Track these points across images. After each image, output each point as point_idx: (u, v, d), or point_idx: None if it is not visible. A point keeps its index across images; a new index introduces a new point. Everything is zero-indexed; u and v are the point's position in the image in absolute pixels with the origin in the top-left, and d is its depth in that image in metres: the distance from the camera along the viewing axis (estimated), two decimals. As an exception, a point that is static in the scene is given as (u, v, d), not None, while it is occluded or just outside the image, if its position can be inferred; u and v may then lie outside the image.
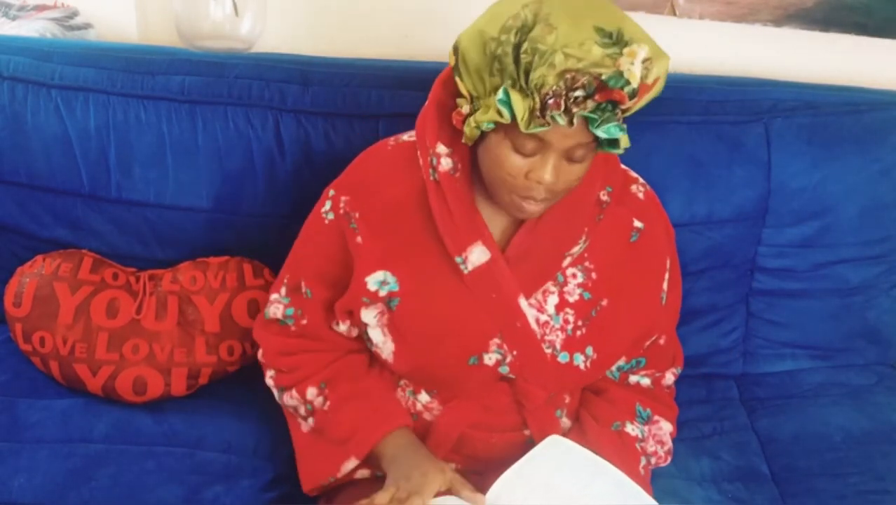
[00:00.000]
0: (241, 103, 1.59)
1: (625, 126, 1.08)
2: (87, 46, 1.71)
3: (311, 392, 1.32)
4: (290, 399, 1.35)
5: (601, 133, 1.06)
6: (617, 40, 1.02)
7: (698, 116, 1.62)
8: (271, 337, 1.36)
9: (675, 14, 1.77)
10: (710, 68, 1.78)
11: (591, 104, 1.03)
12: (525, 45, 1.03)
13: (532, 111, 1.04)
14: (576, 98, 1.02)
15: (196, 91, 1.59)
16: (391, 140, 1.31)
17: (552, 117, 1.03)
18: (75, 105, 1.58)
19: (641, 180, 1.33)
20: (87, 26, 1.85)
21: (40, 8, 1.84)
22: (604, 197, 1.26)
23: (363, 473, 1.33)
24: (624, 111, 1.07)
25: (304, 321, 1.33)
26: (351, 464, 1.29)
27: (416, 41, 1.83)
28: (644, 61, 1.03)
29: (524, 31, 1.03)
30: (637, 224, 1.29)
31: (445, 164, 1.20)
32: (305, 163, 1.60)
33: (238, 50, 1.74)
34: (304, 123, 1.59)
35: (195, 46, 1.73)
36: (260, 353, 1.39)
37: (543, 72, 1.02)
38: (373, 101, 1.60)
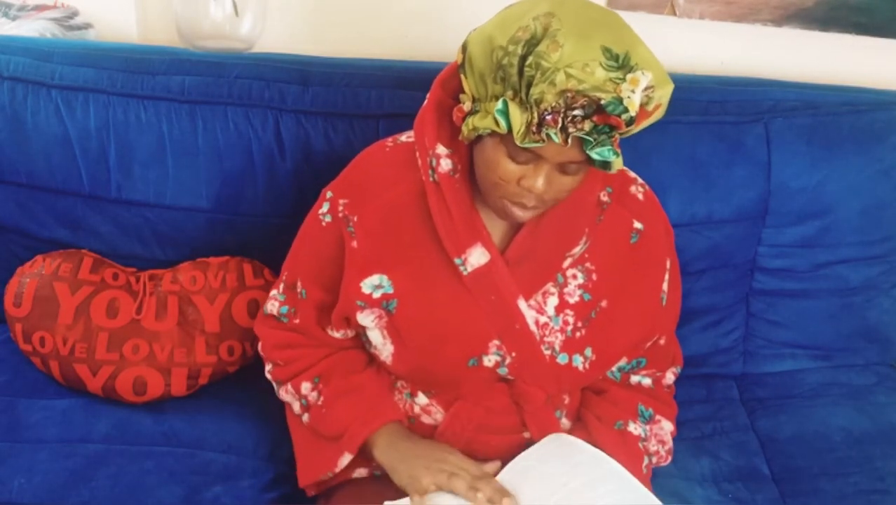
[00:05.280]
0: (241, 103, 1.59)
1: (619, 151, 1.07)
2: (87, 46, 1.71)
3: (306, 387, 1.32)
4: (285, 394, 1.36)
5: (595, 155, 1.05)
6: (623, 64, 1.01)
7: (698, 116, 1.62)
8: (269, 331, 1.38)
9: (675, 14, 1.77)
10: (710, 68, 1.78)
11: (588, 125, 1.03)
12: (530, 59, 1.02)
13: (528, 125, 1.04)
14: (573, 117, 1.02)
15: (196, 91, 1.59)
16: (389, 141, 1.31)
17: (547, 135, 1.03)
18: (75, 105, 1.58)
19: (640, 180, 1.33)
20: (87, 26, 1.85)
21: (40, 8, 1.84)
22: (604, 198, 1.26)
23: (361, 472, 1.33)
24: (621, 134, 1.06)
25: (297, 320, 1.34)
26: (346, 459, 1.29)
27: (415, 41, 1.83)
28: (646, 89, 1.02)
29: (531, 43, 1.02)
30: (637, 225, 1.28)
31: (445, 165, 1.19)
32: (305, 163, 1.60)
33: (238, 50, 1.74)
34: (304, 123, 1.59)
35: (195, 46, 1.73)
36: (259, 345, 1.40)
37: (543, 88, 1.01)
38: (373, 101, 1.60)
